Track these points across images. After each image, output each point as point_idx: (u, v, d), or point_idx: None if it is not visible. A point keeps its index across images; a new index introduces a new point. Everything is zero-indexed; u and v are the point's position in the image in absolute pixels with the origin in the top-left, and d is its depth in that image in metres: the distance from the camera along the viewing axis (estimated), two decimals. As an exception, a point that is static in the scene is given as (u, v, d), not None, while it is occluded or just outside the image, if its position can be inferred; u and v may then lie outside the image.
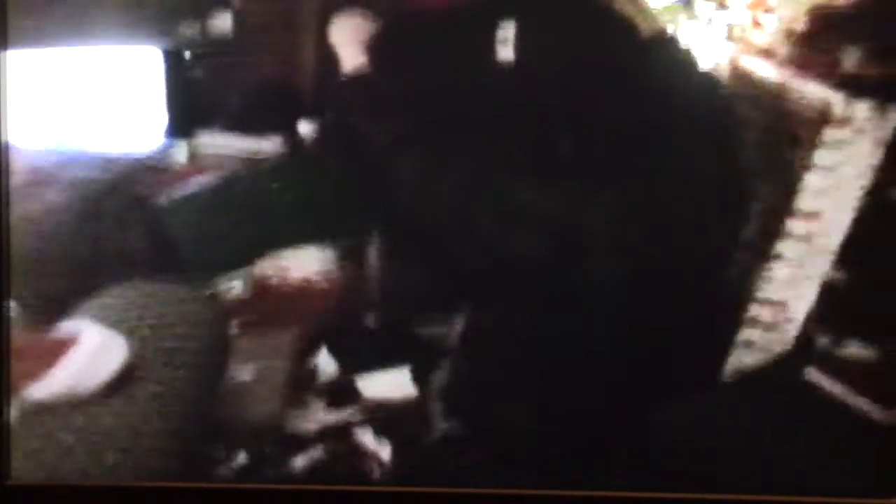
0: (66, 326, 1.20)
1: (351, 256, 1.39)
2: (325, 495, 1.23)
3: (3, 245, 1.23)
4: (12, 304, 1.24)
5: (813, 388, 1.19)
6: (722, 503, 1.14)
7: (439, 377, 1.32)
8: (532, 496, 1.17)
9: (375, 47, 1.31)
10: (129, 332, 1.20)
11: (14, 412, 1.12)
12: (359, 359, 1.36)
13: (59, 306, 1.25)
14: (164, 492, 1.10)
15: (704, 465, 1.19)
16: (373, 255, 1.39)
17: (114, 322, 1.22)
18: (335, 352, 1.37)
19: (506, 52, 1.25)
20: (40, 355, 1.15)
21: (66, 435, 1.09)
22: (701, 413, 1.22)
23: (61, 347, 1.15)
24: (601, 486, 1.18)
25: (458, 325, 1.32)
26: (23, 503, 1.13)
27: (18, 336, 1.20)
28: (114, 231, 1.39)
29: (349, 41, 1.31)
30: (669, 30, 1.23)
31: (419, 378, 1.32)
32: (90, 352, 1.15)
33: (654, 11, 1.23)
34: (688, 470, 1.20)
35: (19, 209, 1.31)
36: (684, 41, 1.23)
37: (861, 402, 1.16)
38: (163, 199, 1.40)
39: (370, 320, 1.38)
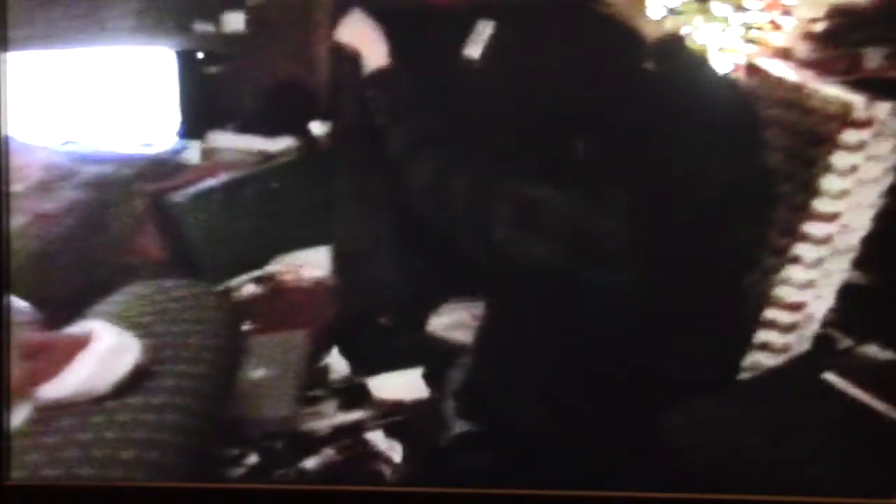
0: (80, 326, 1.20)
1: (363, 257, 1.39)
2: (337, 496, 1.23)
3: (4, 246, 1.22)
4: (27, 304, 1.24)
5: (830, 390, 1.19)
6: (724, 503, 1.14)
7: (453, 378, 1.31)
8: (544, 496, 1.17)
9: (392, 47, 1.30)
10: (143, 330, 1.20)
11: (27, 411, 1.12)
12: (371, 360, 1.36)
13: (74, 305, 1.25)
14: (166, 492, 1.09)
15: (715, 466, 1.19)
16: (386, 255, 1.39)
17: (128, 320, 1.22)
18: (347, 352, 1.36)
19: (475, 50, 1.25)
20: (54, 355, 1.14)
21: (82, 433, 1.09)
22: (714, 415, 1.21)
23: (75, 347, 1.14)
24: (613, 486, 1.17)
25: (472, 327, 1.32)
26: (23, 503, 1.12)
27: (32, 335, 1.20)
28: (128, 229, 1.39)
29: (365, 41, 1.30)
30: (682, 31, 1.23)
31: (432, 379, 1.32)
32: (104, 352, 1.14)
33: (663, 15, 1.23)
34: (697, 470, 1.19)
35: (35, 207, 1.31)
36: (698, 42, 1.23)
37: (878, 405, 1.15)
38: (176, 198, 1.40)
39: (383, 321, 1.38)
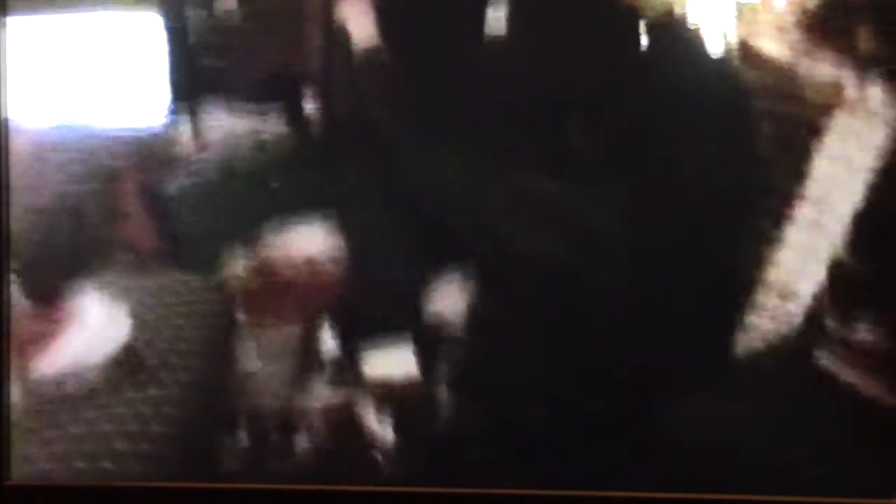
0: (68, 303, 1.21)
1: (355, 237, 1.39)
2: (329, 490, 1.24)
3: (4, 230, 1.23)
4: (14, 285, 1.24)
5: (821, 374, 1.18)
6: (724, 503, 1.15)
7: (445, 362, 1.32)
8: (544, 496, 1.18)
9: (387, 25, 1.29)
10: (133, 317, 1.21)
11: (19, 391, 1.13)
12: (362, 337, 1.36)
13: (63, 285, 1.24)
14: (165, 492, 1.11)
15: (709, 462, 1.19)
16: (378, 237, 1.38)
17: (117, 306, 1.23)
18: (338, 330, 1.37)
19: (497, 25, 1.23)
20: (42, 331, 1.15)
21: (74, 425, 1.10)
22: (707, 404, 1.21)
23: (63, 323, 1.15)
24: (613, 486, 1.18)
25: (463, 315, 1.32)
26: (23, 503, 1.13)
27: (20, 313, 1.20)
28: (115, 209, 1.38)
29: (359, 16, 1.29)
30: (676, 12, 1.21)
31: (423, 359, 1.32)
32: (92, 327, 1.15)
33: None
34: (692, 467, 1.19)
35: (21, 184, 1.29)
36: (692, 23, 1.21)
37: (870, 387, 1.15)
38: (165, 178, 1.39)
39: (374, 301, 1.38)
